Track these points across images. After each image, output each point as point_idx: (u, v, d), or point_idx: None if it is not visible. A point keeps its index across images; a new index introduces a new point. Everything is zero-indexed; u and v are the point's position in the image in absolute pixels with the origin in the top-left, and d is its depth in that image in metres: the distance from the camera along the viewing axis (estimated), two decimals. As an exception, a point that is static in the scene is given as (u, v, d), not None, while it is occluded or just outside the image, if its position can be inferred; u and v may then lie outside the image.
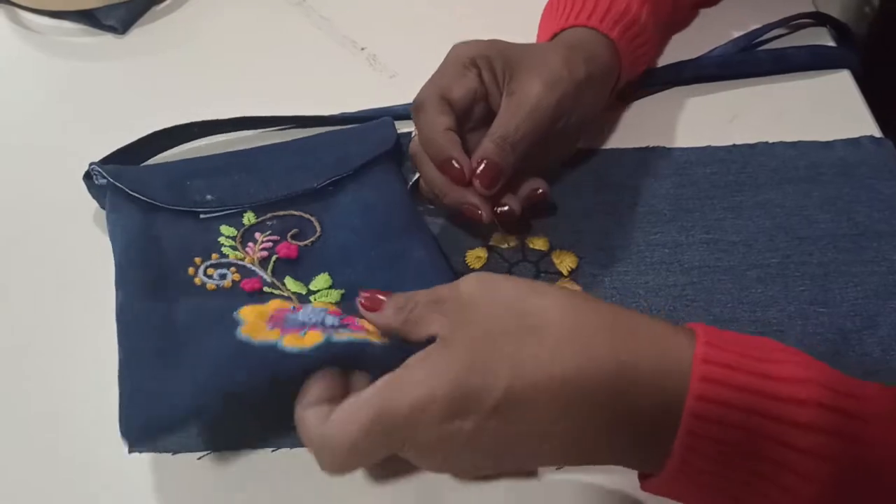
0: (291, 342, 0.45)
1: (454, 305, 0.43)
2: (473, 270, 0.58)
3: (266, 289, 0.53)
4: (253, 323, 0.47)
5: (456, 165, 0.53)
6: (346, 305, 0.52)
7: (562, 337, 0.40)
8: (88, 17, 0.79)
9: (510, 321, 0.41)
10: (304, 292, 0.54)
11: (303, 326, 0.47)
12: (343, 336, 0.45)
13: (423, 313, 0.43)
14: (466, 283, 0.44)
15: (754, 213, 0.61)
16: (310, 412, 0.43)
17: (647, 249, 0.59)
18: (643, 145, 0.66)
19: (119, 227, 0.57)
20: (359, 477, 0.49)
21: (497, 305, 0.42)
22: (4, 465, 0.50)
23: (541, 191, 0.56)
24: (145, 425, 0.44)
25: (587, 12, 0.61)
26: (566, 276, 0.57)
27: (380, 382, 0.41)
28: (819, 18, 0.75)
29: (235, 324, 0.48)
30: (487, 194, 0.54)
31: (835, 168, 0.64)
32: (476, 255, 0.59)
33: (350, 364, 0.45)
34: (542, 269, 0.58)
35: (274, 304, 0.51)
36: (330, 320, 0.47)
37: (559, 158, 0.63)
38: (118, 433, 0.50)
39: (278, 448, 0.50)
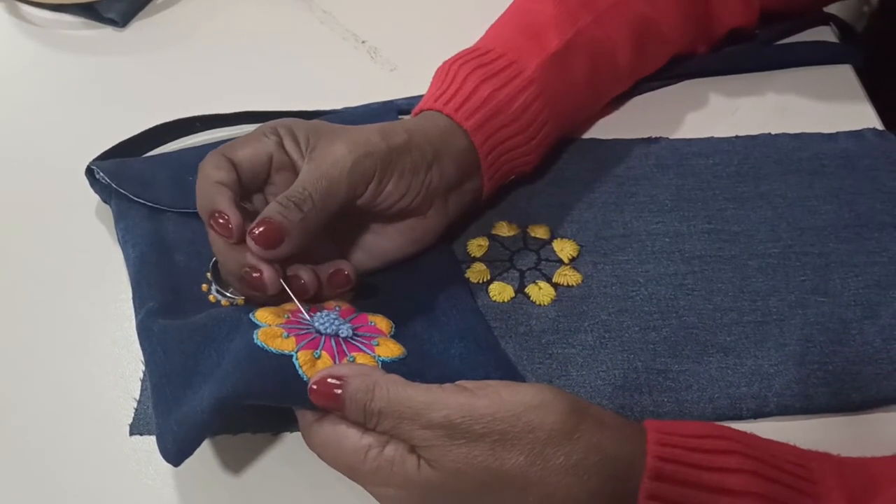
0: (306, 365, 0.45)
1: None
2: (475, 259, 0.58)
3: None
4: (269, 330, 0.47)
5: (221, 220, 0.47)
6: (360, 303, 0.53)
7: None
8: (89, 10, 0.79)
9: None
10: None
11: (317, 338, 0.47)
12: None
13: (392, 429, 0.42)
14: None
15: (756, 203, 0.61)
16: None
17: (648, 238, 0.59)
18: (646, 136, 0.66)
19: (129, 242, 0.57)
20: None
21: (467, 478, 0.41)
22: (10, 455, 0.50)
23: (346, 272, 0.51)
24: (181, 450, 0.44)
25: (446, 98, 0.56)
26: (567, 264, 0.57)
27: (369, 440, 0.42)
28: (823, 18, 0.75)
29: (253, 326, 0.47)
30: (266, 256, 0.47)
31: (837, 160, 0.64)
32: (477, 244, 0.59)
33: None
34: (543, 257, 0.58)
35: (289, 305, 0.50)
36: (344, 331, 0.48)
37: (401, 245, 0.55)
38: (122, 422, 0.51)
39: (279, 432, 0.51)
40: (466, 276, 0.57)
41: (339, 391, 0.42)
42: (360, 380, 0.42)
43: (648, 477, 0.39)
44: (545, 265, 0.58)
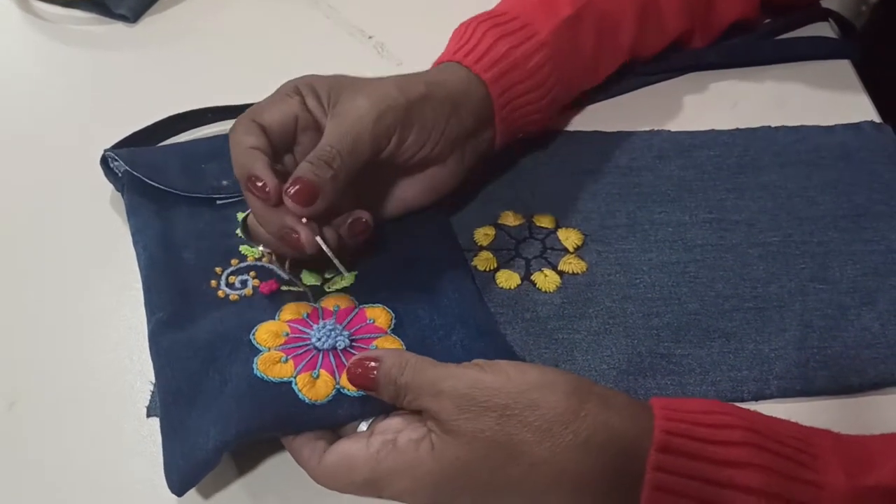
0: (305, 387, 0.47)
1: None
2: (482, 247, 0.59)
3: (283, 287, 0.55)
4: (268, 356, 0.49)
5: (259, 183, 0.49)
6: (361, 286, 0.54)
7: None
8: (100, 6, 0.79)
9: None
10: (318, 283, 0.55)
11: (315, 356, 0.49)
12: (350, 387, 0.47)
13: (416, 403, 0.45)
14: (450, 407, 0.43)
15: (756, 194, 0.62)
16: (305, 448, 0.46)
17: (651, 228, 0.60)
18: (649, 129, 0.67)
19: (139, 243, 0.58)
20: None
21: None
22: (29, 436, 0.51)
23: (364, 220, 0.53)
24: (184, 483, 0.46)
25: (465, 51, 0.59)
26: (572, 252, 0.59)
27: (377, 444, 0.44)
28: (822, 13, 0.76)
29: (253, 352, 0.49)
30: (303, 214, 0.49)
31: (836, 152, 0.65)
32: (484, 233, 0.60)
33: (357, 415, 0.48)
34: (548, 246, 0.59)
35: (288, 312, 0.52)
36: (341, 342, 0.50)
37: (423, 193, 0.58)
38: (139, 404, 0.52)
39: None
40: (473, 263, 0.58)
41: (375, 373, 0.45)
42: (393, 358, 0.45)
43: (656, 449, 0.40)
44: (550, 254, 0.59)
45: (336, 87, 0.53)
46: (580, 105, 0.69)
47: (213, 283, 0.55)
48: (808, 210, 0.61)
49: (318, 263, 0.55)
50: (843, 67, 0.72)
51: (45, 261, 0.60)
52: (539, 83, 0.60)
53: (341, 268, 0.53)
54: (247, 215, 0.54)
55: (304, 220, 0.50)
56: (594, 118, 0.68)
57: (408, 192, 0.58)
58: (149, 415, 0.51)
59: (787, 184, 0.63)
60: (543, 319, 0.55)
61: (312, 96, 0.53)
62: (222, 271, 0.56)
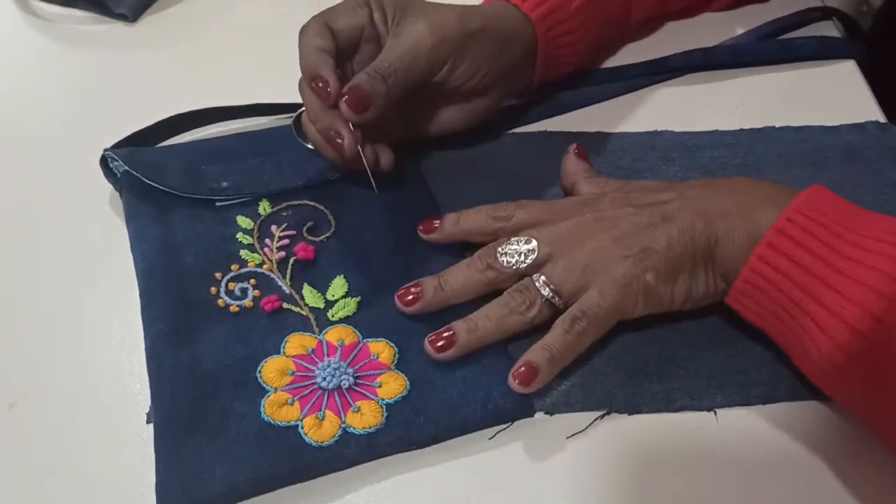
0: (311, 430, 0.48)
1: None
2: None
3: (286, 305, 0.54)
4: (274, 398, 0.50)
5: (322, 83, 0.54)
6: (363, 316, 0.54)
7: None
8: (99, 5, 0.79)
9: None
10: (321, 306, 0.55)
11: (321, 396, 0.50)
12: (357, 425, 0.49)
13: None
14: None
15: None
16: None
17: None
18: (652, 129, 0.67)
19: (138, 250, 0.57)
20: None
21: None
22: (26, 439, 0.51)
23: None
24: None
25: None
26: (577, 254, 0.58)
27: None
28: (826, 12, 0.76)
29: (260, 392, 0.50)
30: (353, 119, 0.54)
31: (841, 152, 0.65)
32: (487, 235, 0.59)
33: (365, 453, 0.48)
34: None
35: (293, 346, 0.52)
36: (345, 381, 0.50)
37: (463, 119, 0.63)
38: (139, 410, 0.52)
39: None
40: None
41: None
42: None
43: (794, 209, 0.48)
44: (555, 255, 0.58)
45: (402, 7, 0.57)
46: (583, 105, 0.69)
47: (213, 290, 0.55)
48: (813, 211, 0.61)
49: (323, 273, 0.55)
50: (848, 67, 0.72)
51: (45, 262, 0.60)
52: (578, 26, 0.63)
53: (373, 183, 0.58)
54: (300, 112, 0.58)
55: (351, 126, 0.54)
56: (597, 119, 0.68)
57: (448, 116, 0.62)
58: (149, 420, 0.51)
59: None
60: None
61: (379, 11, 0.57)
62: (222, 277, 0.56)
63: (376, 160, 0.58)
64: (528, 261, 0.52)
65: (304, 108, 0.57)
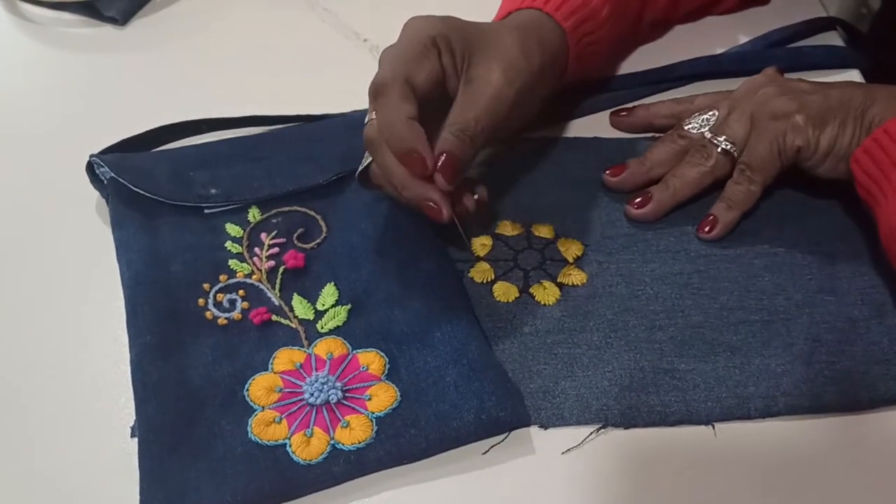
0: (299, 448, 0.47)
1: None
2: (479, 258, 0.58)
3: (275, 317, 0.53)
4: (262, 416, 0.49)
5: (419, 158, 0.50)
6: (354, 325, 0.53)
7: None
8: (89, 9, 0.78)
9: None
10: (311, 317, 0.54)
11: (309, 413, 0.49)
12: (346, 441, 0.48)
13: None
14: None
15: (761, 202, 0.60)
16: None
17: (653, 238, 0.59)
18: (653, 136, 0.66)
19: (124, 259, 0.56)
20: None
21: None
22: (9, 453, 0.50)
23: (485, 197, 0.56)
24: None
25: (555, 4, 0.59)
26: (572, 263, 0.57)
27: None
28: (829, 22, 0.75)
29: (247, 411, 0.49)
30: (448, 189, 0.51)
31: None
32: (481, 243, 0.58)
33: (353, 470, 0.47)
34: (547, 257, 0.57)
35: (280, 362, 0.51)
36: (334, 396, 0.49)
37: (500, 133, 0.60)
38: (123, 423, 0.51)
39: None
40: (470, 275, 0.57)
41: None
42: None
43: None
44: (550, 265, 0.57)
45: (468, 45, 0.53)
46: (583, 112, 0.68)
47: (201, 301, 0.54)
48: (815, 219, 0.60)
49: (312, 282, 0.55)
50: (852, 77, 0.71)
51: (28, 270, 0.59)
52: (605, 35, 0.63)
53: (466, 239, 0.57)
54: (369, 164, 0.53)
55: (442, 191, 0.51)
56: (597, 125, 0.67)
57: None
58: (133, 435, 0.50)
59: (793, 192, 0.61)
60: (542, 333, 0.54)
61: (448, 53, 0.53)
62: (210, 287, 0.54)
63: (465, 208, 0.55)
64: (712, 122, 0.60)
65: (368, 159, 0.53)
